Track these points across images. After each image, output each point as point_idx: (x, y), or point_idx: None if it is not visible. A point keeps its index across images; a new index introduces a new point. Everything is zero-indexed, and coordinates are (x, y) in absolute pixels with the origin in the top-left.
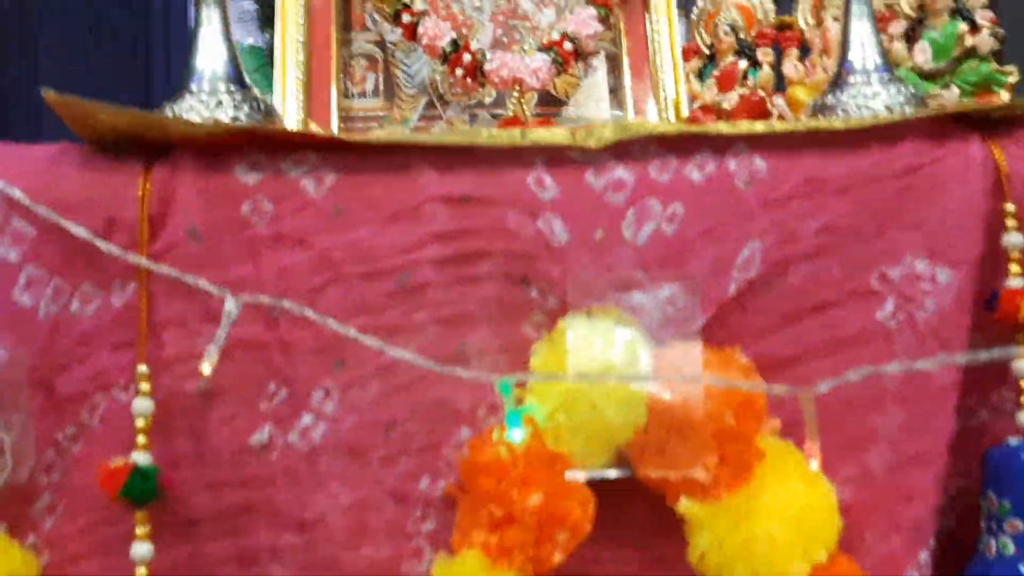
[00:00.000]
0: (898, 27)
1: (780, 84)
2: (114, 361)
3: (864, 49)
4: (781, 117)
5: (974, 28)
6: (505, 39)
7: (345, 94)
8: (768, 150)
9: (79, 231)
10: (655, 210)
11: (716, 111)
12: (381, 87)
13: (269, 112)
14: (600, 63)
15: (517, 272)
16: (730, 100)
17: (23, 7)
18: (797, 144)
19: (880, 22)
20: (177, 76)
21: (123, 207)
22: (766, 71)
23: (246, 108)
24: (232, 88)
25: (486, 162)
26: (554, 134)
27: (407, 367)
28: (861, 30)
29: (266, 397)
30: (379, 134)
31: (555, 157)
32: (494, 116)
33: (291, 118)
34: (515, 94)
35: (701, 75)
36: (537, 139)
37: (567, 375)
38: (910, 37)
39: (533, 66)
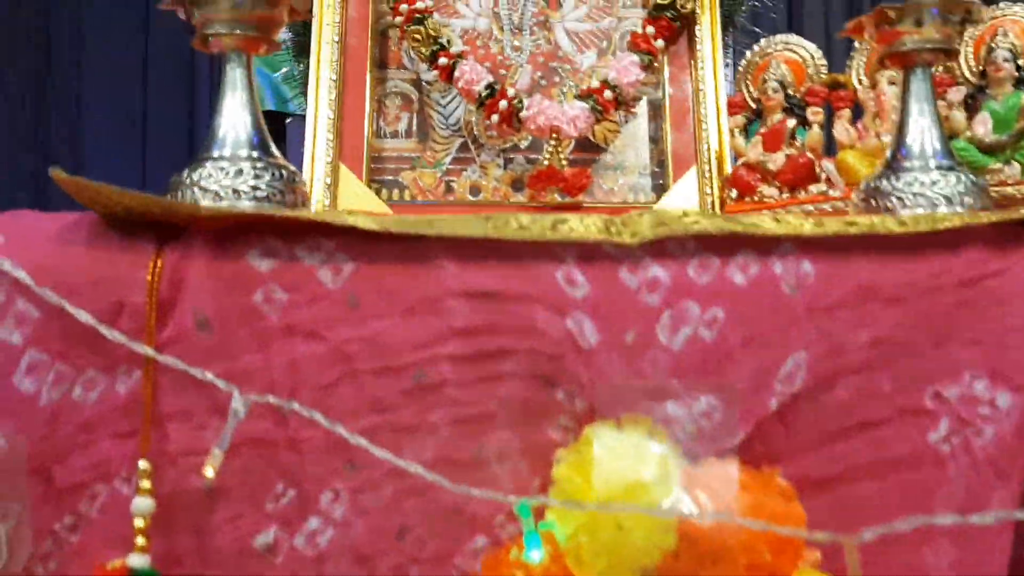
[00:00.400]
0: (957, 94)
1: (831, 146)
2: (117, 451)
3: (923, 132)
4: (830, 182)
5: None
6: (544, 82)
7: (377, 133)
8: (817, 253)
9: (84, 317)
10: (693, 313)
11: (761, 171)
12: (415, 127)
13: (292, 180)
14: (642, 109)
15: (543, 372)
16: (776, 161)
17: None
18: (848, 247)
19: (938, 87)
20: None
21: (132, 291)
22: (816, 131)
23: (267, 176)
24: (254, 155)
25: (513, 255)
26: (588, 227)
27: None
28: (920, 112)
29: (273, 497)
30: (400, 222)
31: (588, 252)
32: (529, 161)
33: (320, 161)
34: (552, 142)
35: (747, 131)
36: (569, 234)
37: (589, 504)
38: (970, 105)
39: (571, 114)
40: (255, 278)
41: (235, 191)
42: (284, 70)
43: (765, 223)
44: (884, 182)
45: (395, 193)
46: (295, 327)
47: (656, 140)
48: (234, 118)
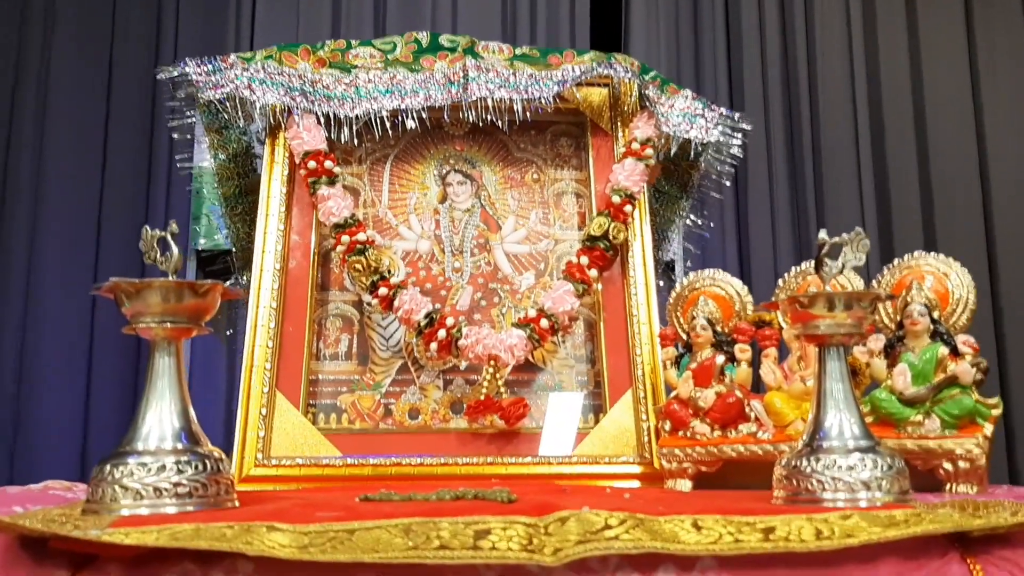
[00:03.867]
0: (877, 343)
1: (759, 381)
2: None
3: (840, 413)
4: (759, 422)
5: (955, 354)
6: (484, 302)
7: (316, 356)
8: (737, 569)
9: None
10: None
11: (693, 406)
12: (355, 349)
13: (216, 469)
14: (579, 328)
15: None
16: (707, 398)
17: None
18: (768, 562)
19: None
20: None
21: None
22: (744, 369)
23: (189, 471)
24: (179, 446)
25: (435, 574)
26: (510, 543)
27: None
28: (836, 391)
29: None
30: (322, 539)
31: (510, 571)
32: (469, 383)
33: (256, 389)
34: (490, 369)
35: (678, 363)
36: (490, 553)
37: None
38: (889, 352)
39: (509, 343)
40: None
41: (156, 489)
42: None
43: (685, 535)
44: (804, 462)
45: (332, 419)
46: None
47: (593, 361)
48: (160, 409)
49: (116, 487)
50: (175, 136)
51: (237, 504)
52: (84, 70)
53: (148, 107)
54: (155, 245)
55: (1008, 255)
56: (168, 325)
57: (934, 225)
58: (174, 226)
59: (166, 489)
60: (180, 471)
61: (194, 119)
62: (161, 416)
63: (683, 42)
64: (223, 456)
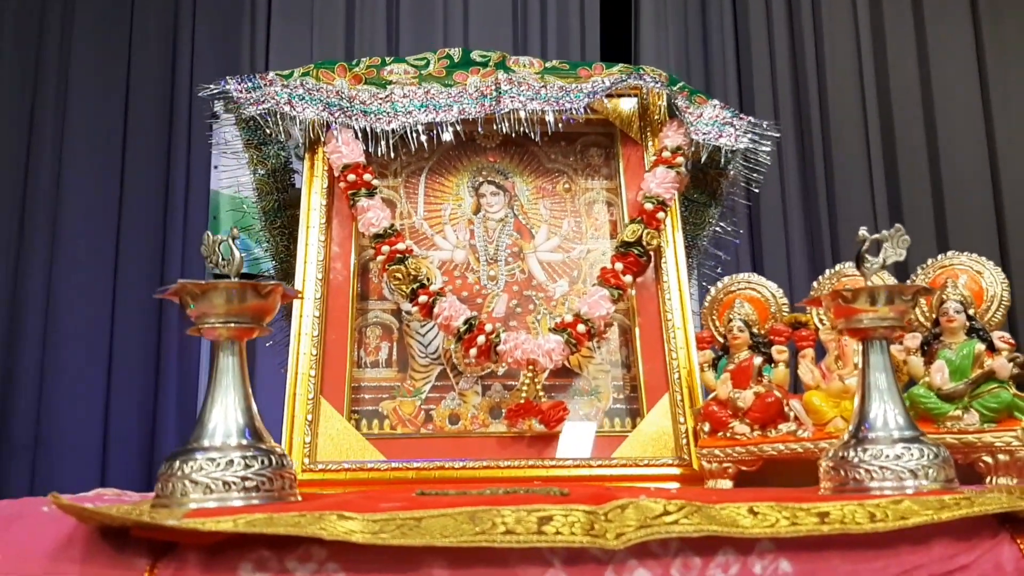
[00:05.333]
0: (914, 341)
1: (796, 381)
2: None
3: (884, 404)
4: (798, 421)
5: (992, 350)
6: (519, 309)
7: (358, 364)
8: (794, 551)
9: None
10: None
11: (732, 407)
12: (395, 357)
13: (280, 464)
14: (614, 334)
15: None
16: (745, 399)
17: None
18: (823, 544)
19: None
20: None
21: None
22: (782, 369)
23: (256, 466)
24: (244, 442)
25: (501, 560)
26: (573, 528)
27: None
28: (879, 383)
29: None
30: (391, 525)
31: (574, 555)
32: (507, 388)
33: (302, 396)
34: (528, 374)
35: (715, 365)
36: (555, 538)
37: None
38: (926, 351)
39: (547, 347)
40: None
41: (224, 483)
42: None
43: (742, 519)
44: (851, 452)
45: (375, 424)
46: None
47: (628, 366)
48: (226, 409)
49: (186, 482)
50: (213, 152)
51: (300, 499)
52: (101, 86)
53: (166, 123)
54: (217, 249)
55: (1021, 253)
56: (232, 325)
57: (946, 226)
58: (235, 231)
59: (234, 483)
60: (247, 466)
61: (212, 142)
62: (226, 413)
63: (692, 50)
64: (285, 453)
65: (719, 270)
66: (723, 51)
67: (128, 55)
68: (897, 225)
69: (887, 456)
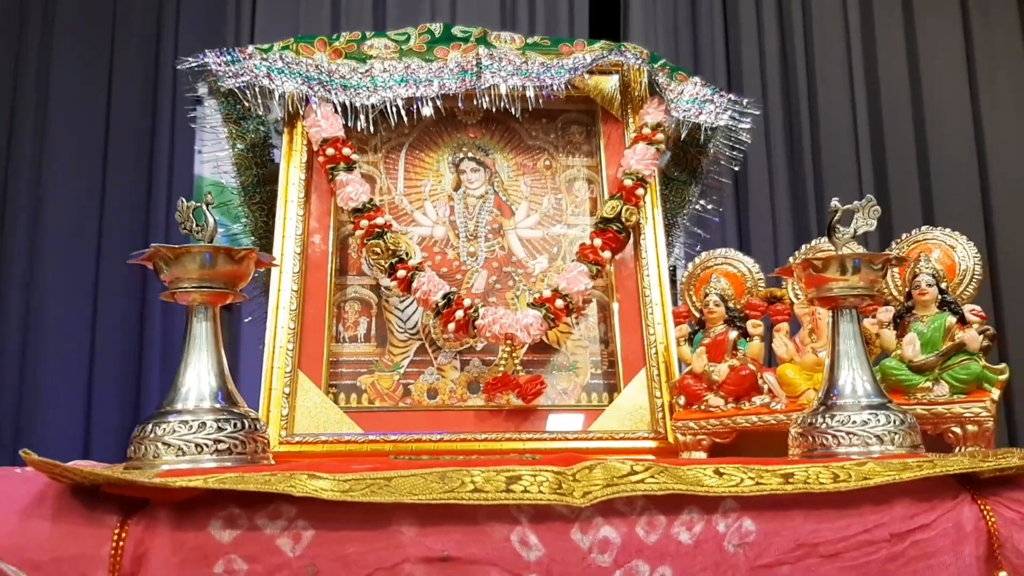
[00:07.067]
0: (887, 314)
1: (771, 355)
2: None
3: (853, 372)
4: (772, 393)
5: (963, 322)
6: (499, 285)
7: (336, 338)
8: (758, 510)
9: None
10: (643, 572)
11: (707, 380)
12: (373, 332)
13: (253, 428)
14: (592, 310)
15: None
16: (720, 372)
17: None
18: (787, 503)
19: (869, 305)
20: None
21: (94, 567)
22: (756, 343)
23: (228, 428)
24: (217, 406)
25: (469, 518)
26: (540, 487)
27: None
28: (848, 351)
29: None
30: (361, 485)
31: (541, 512)
32: (485, 363)
33: (279, 369)
34: (506, 349)
35: (691, 340)
36: (522, 496)
37: None
38: (899, 324)
39: (525, 322)
40: (217, 549)
41: (197, 445)
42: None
43: (707, 479)
44: (819, 419)
45: (353, 398)
46: None
47: (606, 342)
48: (199, 372)
49: (159, 444)
50: (193, 126)
51: (273, 463)
52: (84, 72)
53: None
54: (191, 216)
55: (1005, 228)
56: (205, 290)
57: (932, 204)
58: (209, 198)
59: (206, 445)
60: (220, 428)
61: (195, 124)
62: (200, 377)
63: (681, 32)
64: (259, 417)
65: (697, 247)
66: (712, 33)
67: (111, 41)
68: (868, 196)
69: (854, 422)
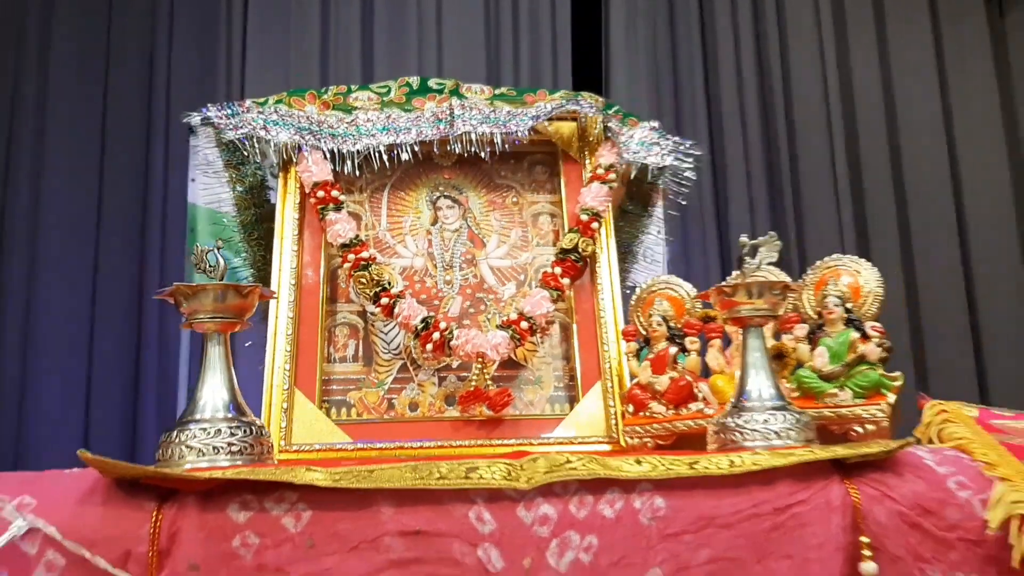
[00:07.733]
0: (802, 330)
1: (706, 368)
2: None
3: (759, 380)
4: (706, 400)
5: (865, 337)
6: (472, 310)
7: (328, 359)
8: (668, 490)
9: (102, 564)
10: (574, 541)
11: (651, 391)
12: (361, 353)
13: (260, 433)
14: (556, 330)
15: None
16: (662, 383)
17: None
18: (691, 485)
19: (788, 323)
20: None
21: (137, 543)
22: (693, 357)
23: (240, 434)
24: (229, 415)
25: (436, 499)
26: (493, 474)
27: None
28: (755, 362)
29: None
30: (348, 475)
31: (494, 495)
32: (461, 379)
33: (278, 386)
34: (478, 364)
35: (638, 355)
36: (479, 481)
37: None
38: (812, 339)
39: (494, 342)
40: (234, 527)
41: (214, 447)
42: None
43: (627, 467)
44: (730, 420)
45: (343, 412)
46: (265, 566)
47: (567, 358)
48: (214, 388)
49: (183, 447)
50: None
51: (276, 462)
52: (80, 97)
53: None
54: (204, 258)
55: (979, 234)
56: (218, 320)
57: (908, 214)
58: (219, 243)
59: (222, 448)
60: (232, 434)
61: (190, 159)
62: (214, 392)
63: (662, 73)
64: (264, 425)
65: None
66: (691, 74)
67: (106, 69)
68: (771, 233)
69: (757, 421)
